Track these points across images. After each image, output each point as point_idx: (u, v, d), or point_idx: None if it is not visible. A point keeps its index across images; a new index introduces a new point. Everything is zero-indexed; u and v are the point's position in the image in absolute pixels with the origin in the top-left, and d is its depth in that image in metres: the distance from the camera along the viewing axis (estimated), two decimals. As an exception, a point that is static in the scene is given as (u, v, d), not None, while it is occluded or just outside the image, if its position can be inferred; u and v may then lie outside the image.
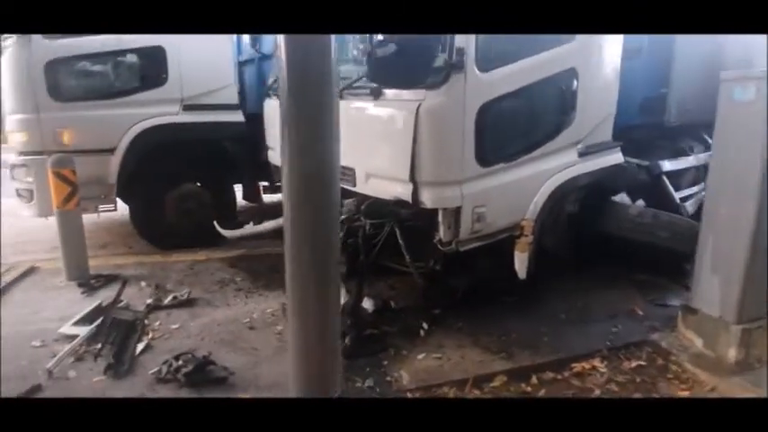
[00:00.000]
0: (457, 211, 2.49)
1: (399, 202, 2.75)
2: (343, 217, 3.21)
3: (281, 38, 1.34)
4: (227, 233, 3.86)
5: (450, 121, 2.35)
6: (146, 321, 2.87)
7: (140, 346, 2.58)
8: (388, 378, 2.34)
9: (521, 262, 2.78)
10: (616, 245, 3.37)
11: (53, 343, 2.62)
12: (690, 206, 3.82)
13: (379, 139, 2.59)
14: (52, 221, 4.27)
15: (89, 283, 3.43)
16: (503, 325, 2.82)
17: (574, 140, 2.91)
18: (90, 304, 3.08)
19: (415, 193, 2.47)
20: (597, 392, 2.24)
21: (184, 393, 2.19)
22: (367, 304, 3.01)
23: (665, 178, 3.78)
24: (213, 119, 4.35)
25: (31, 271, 3.70)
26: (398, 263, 3.04)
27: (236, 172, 4.60)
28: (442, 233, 2.54)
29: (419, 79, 2.38)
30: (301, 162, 1.38)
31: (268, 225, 3.67)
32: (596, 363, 2.45)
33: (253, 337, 2.73)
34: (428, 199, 2.45)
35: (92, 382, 2.28)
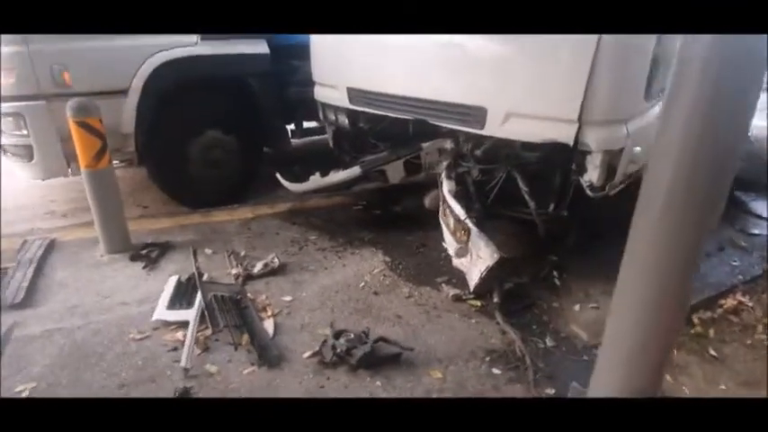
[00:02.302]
0: (618, 153, 2.28)
1: (529, 146, 2.49)
2: (445, 162, 2.91)
3: (705, 38, 1.05)
4: (293, 187, 3.37)
5: (636, 48, 2.06)
6: (249, 296, 2.48)
7: (269, 327, 2.22)
8: (563, 335, 2.21)
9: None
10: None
11: (155, 332, 2.18)
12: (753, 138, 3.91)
13: (534, 72, 2.24)
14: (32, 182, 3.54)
15: (142, 255, 2.89)
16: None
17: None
18: (160, 280, 2.61)
19: (579, 134, 2.21)
20: (760, 328, 2.28)
21: (361, 376, 1.92)
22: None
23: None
24: (235, 50, 3.66)
25: (52, 245, 3.03)
26: (513, 211, 2.84)
27: (263, 114, 3.99)
28: (596, 177, 2.34)
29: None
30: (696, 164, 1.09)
31: (336, 177, 3.23)
32: (740, 297, 2.49)
33: (385, 303, 2.45)
34: (596, 140, 2.20)
35: (244, 375, 1.92)
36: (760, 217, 3.55)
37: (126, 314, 2.31)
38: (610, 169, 2.34)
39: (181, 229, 3.32)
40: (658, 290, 1.22)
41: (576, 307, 2.41)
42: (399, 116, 2.95)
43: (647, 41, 2.09)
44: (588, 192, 2.41)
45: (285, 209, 3.73)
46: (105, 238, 2.94)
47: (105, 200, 2.87)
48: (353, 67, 3.12)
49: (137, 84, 3.31)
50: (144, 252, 2.93)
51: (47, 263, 2.82)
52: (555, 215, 2.69)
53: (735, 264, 2.82)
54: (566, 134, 2.23)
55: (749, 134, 3.98)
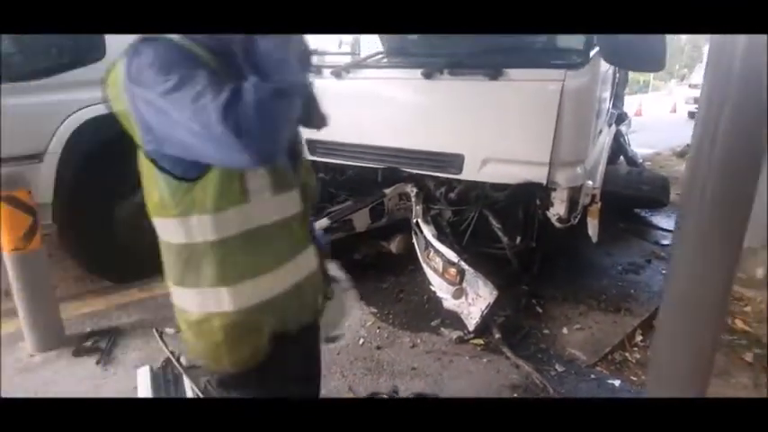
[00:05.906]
0: (579, 188, 2.59)
1: (498, 186, 2.72)
2: (419, 207, 3.00)
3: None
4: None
5: (592, 99, 2.41)
6: (243, 374, 2.21)
7: (285, 406, 2.00)
8: (566, 358, 2.37)
9: (594, 227, 3.05)
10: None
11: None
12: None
13: (507, 121, 2.46)
14: None
15: (89, 348, 2.42)
16: (586, 286, 3.10)
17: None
18: (125, 376, 2.22)
19: (550, 173, 2.46)
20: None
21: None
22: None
23: (620, 137, 4.56)
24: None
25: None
26: (487, 247, 3.00)
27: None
28: (563, 211, 2.61)
29: (553, 59, 2.36)
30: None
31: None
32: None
33: (393, 356, 2.38)
34: (564, 179, 2.48)
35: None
36: (664, 229, 4.21)
37: (98, 424, 1.90)
38: (572, 202, 2.64)
39: (121, 310, 2.87)
40: (700, 306, 1.40)
41: (564, 330, 2.62)
42: (370, 165, 2.98)
43: (593, 95, 2.47)
44: (556, 223, 2.68)
45: (238, 270, 3.44)
46: (34, 332, 2.41)
47: (36, 288, 2.38)
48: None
49: (55, 146, 2.87)
50: (89, 344, 2.46)
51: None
52: (524, 247, 2.92)
53: (665, 273, 3.32)
54: (539, 174, 2.48)
55: (640, 159, 4.80)
